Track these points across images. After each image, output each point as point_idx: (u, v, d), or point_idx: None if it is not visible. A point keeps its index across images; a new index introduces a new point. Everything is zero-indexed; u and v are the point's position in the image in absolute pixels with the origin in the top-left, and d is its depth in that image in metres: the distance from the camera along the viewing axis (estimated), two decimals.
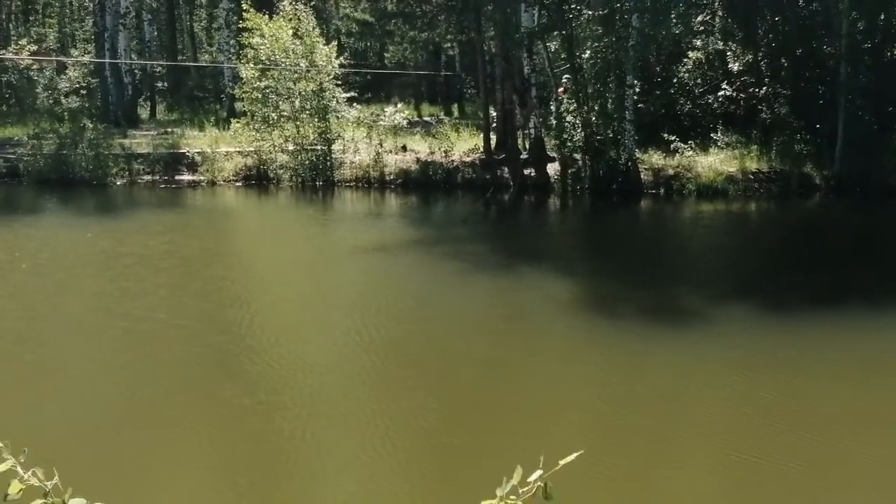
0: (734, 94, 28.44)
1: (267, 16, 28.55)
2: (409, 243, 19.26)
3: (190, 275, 16.46)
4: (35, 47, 43.18)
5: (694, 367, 10.99)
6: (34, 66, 41.90)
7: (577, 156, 25.58)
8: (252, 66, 28.24)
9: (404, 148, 29.27)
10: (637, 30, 24.41)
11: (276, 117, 28.25)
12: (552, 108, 27.03)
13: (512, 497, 2.38)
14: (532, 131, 28.08)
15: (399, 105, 37.88)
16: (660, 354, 11.43)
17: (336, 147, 28.25)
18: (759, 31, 30.25)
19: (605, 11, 25.10)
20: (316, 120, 28.04)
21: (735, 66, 29.49)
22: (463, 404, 10.05)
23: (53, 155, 28.58)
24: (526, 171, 26.69)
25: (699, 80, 29.49)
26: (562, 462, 2.45)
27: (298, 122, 28.08)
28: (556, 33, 27.03)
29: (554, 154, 26.77)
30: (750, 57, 29.42)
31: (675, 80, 29.17)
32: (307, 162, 27.70)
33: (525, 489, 2.38)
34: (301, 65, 27.96)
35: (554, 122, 26.46)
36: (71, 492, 2.38)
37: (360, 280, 16.16)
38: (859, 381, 10.50)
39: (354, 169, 27.63)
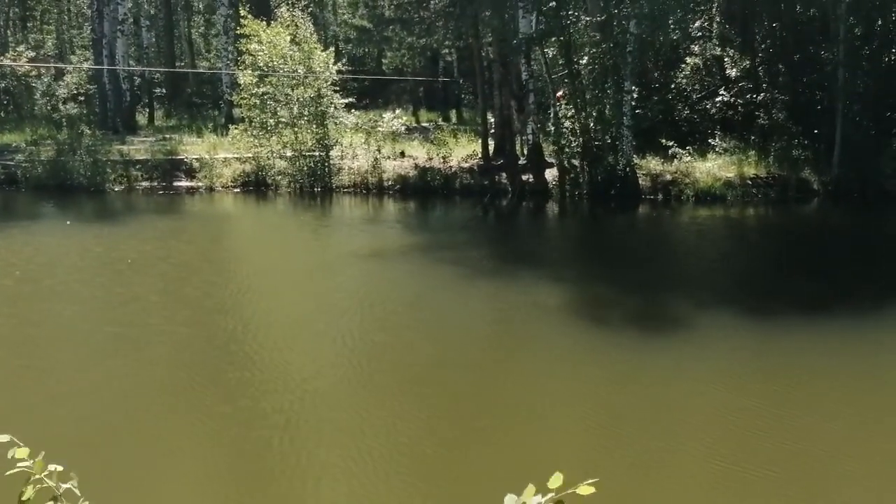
0: (732, 100, 28.45)
1: (265, 22, 28.57)
2: (406, 249, 19.24)
3: (184, 280, 16.44)
4: (33, 54, 43.23)
5: (685, 375, 10.96)
6: (32, 73, 41.91)
7: (575, 161, 25.59)
8: (250, 72, 28.26)
9: (402, 154, 29.29)
10: (635, 36, 24.43)
11: (274, 123, 28.25)
12: (550, 113, 27.03)
13: None
14: (530, 137, 28.09)
15: (397, 111, 37.86)
16: (653, 361, 11.40)
17: (334, 153, 28.26)
18: (757, 37, 30.29)
19: (603, 17, 25.13)
20: (314, 126, 28.05)
21: (733, 72, 29.51)
22: (458, 412, 10.01)
23: (51, 161, 28.58)
24: (524, 177, 26.70)
25: (697, 86, 29.49)
26: (578, 490, 2.40)
27: (296, 129, 28.08)
28: (553, 39, 27.03)
29: (552, 160, 26.78)
30: (748, 62, 29.45)
31: (672, 86, 29.19)
32: (305, 168, 27.70)
33: None
34: (299, 71, 27.97)
35: (552, 127, 26.46)
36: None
37: (357, 286, 16.13)
38: (854, 389, 10.48)
39: (352, 175, 27.63)
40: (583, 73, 25.83)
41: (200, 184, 27.97)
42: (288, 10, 28.83)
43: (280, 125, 28.27)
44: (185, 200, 26.91)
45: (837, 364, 11.23)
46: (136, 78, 42.25)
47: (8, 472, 2.53)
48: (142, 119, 42.10)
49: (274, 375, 11.05)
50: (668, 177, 25.13)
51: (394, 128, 32.21)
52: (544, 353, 12.05)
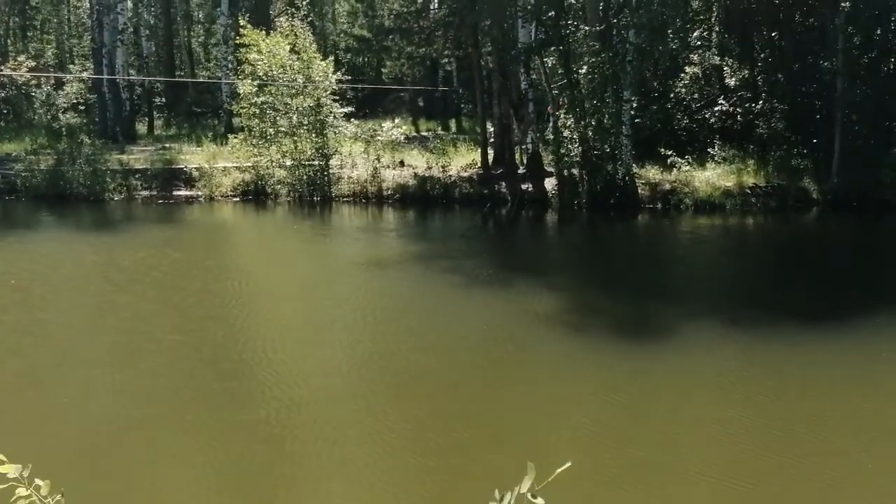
0: (731, 109, 28.48)
1: (264, 32, 28.60)
2: (406, 258, 19.23)
3: (178, 289, 16.43)
4: (33, 63, 43.22)
5: (676, 384, 10.95)
6: (32, 82, 41.94)
7: (575, 171, 25.60)
8: (250, 81, 28.28)
9: (402, 163, 29.29)
10: (634, 45, 24.47)
11: (273, 133, 28.26)
12: (549, 123, 27.06)
13: None
14: (529, 146, 28.13)
15: (397, 120, 37.88)
16: (643, 370, 11.40)
17: (334, 162, 28.27)
18: (756, 47, 30.36)
19: (602, 27, 25.17)
20: (313, 135, 28.06)
21: (732, 81, 29.55)
22: (447, 420, 9.97)
23: (51, 171, 28.55)
24: (523, 186, 26.71)
25: (696, 95, 29.54)
26: (555, 473, 2.43)
27: (296, 138, 28.09)
28: (553, 49, 27.09)
29: (551, 169, 26.79)
30: (747, 72, 29.49)
31: (671, 95, 29.23)
32: (305, 177, 27.70)
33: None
34: (298, 80, 28.00)
35: (551, 136, 26.49)
36: None
37: (353, 295, 16.12)
38: (849, 398, 10.47)
39: (352, 184, 27.63)
40: (582, 82, 25.86)
41: (200, 193, 27.96)
42: (287, 19, 28.84)
43: (279, 134, 28.27)
44: (185, 210, 26.89)
45: (833, 373, 11.24)
46: (135, 87, 42.29)
47: None
48: (141, 128, 42.11)
49: (266, 385, 11.00)
50: (668, 186, 25.13)
51: (393, 137, 32.21)
52: (535, 361, 12.05)
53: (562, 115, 26.39)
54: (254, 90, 28.23)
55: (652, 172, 25.73)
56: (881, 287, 16.01)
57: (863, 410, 10.08)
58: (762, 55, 30.18)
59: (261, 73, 28.02)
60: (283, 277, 17.88)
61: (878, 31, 25.37)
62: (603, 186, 24.87)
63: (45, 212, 26.41)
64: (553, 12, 26.24)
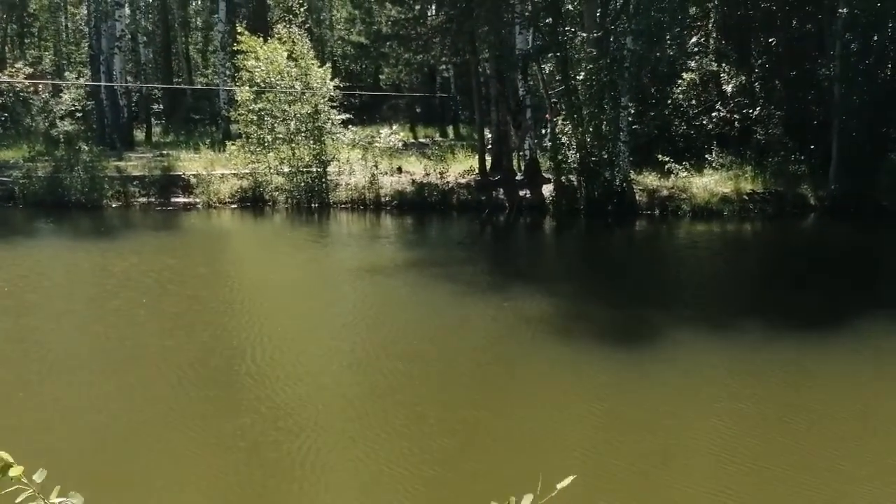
0: (728, 115, 28.54)
1: (262, 39, 28.62)
2: (403, 265, 19.22)
3: (172, 296, 16.38)
4: (30, 70, 43.25)
5: (676, 388, 10.94)
6: (30, 89, 41.95)
7: (573, 177, 25.63)
8: (247, 88, 28.30)
9: (399, 170, 29.32)
10: (631, 51, 24.50)
11: (271, 139, 28.28)
12: (547, 129, 27.09)
13: None
14: (527, 152, 28.17)
15: (394, 127, 37.94)
16: (637, 375, 11.38)
17: (331, 169, 28.28)
18: (753, 53, 30.42)
19: (600, 33, 25.21)
20: (311, 142, 28.07)
21: (729, 88, 29.60)
22: (446, 427, 9.95)
23: (49, 178, 28.55)
24: (521, 193, 26.73)
25: (693, 102, 29.60)
26: (558, 486, 2.42)
27: (294, 145, 28.10)
28: (550, 55, 27.13)
29: (549, 175, 26.82)
30: (744, 78, 29.54)
31: (669, 102, 29.28)
32: (302, 184, 27.72)
33: None
34: (296, 87, 28.02)
35: (549, 143, 26.52)
36: None
37: (349, 301, 16.09)
38: (845, 404, 10.47)
39: (350, 191, 27.64)
40: (580, 88, 25.89)
41: (198, 200, 27.96)
42: (285, 26, 28.85)
43: (277, 141, 28.29)
44: (182, 216, 26.87)
45: (828, 379, 11.23)
46: (133, 94, 42.30)
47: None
48: (139, 135, 42.14)
49: (255, 391, 10.94)
50: (665, 192, 25.16)
51: (391, 143, 32.32)
52: (529, 369, 11.99)
53: (559, 122, 26.42)
54: (251, 97, 28.25)
55: (649, 179, 25.76)
56: (879, 293, 16.01)
57: (861, 419, 10.07)
58: (759, 61, 30.24)
59: (258, 80, 28.04)
60: (276, 284, 17.85)
61: (875, 38, 25.42)
62: (601, 193, 24.89)
63: (43, 219, 26.37)
64: (550, 19, 26.31)
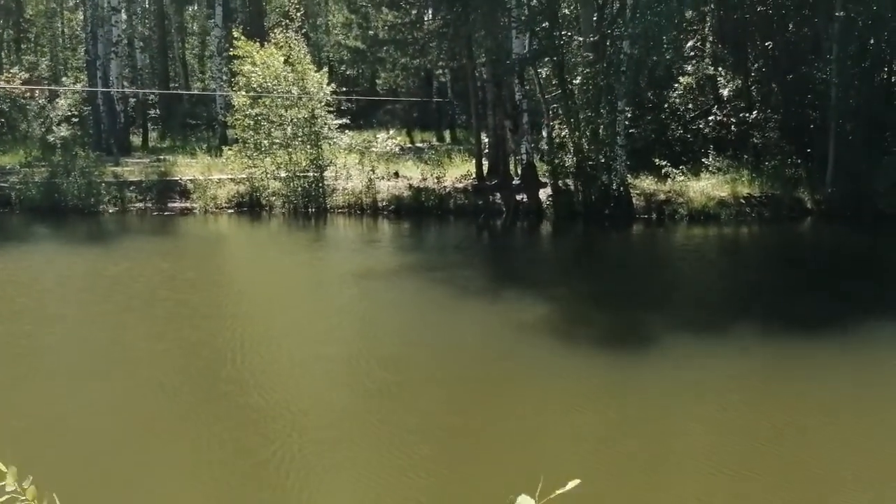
0: (725, 119, 28.55)
1: (258, 43, 28.60)
2: (400, 270, 19.19)
3: (167, 300, 16.35)
4: (27, 75, 43.22)
5: (673, 393, 10.92)
6: (26, 95, 41.90)
7: (569, 181, 25.61)
8: (244, 93, 28.29)
9: (396, 174, 29.32)
10: (628, 56, 24.50)
11: (268, 144, 28.25)
12: (544, 133, 27.08)
13: None
14: (524, 157, 28.15)
15: (391, 131, 37.93)
16: (632, 378, 11.38)
17: (328, 174, 28.25)
18: (750, 57, 30.42)
19: (596, 38, 25.22)
20: (308, 147, 28.05)
21: (726, 91, 29.63)
22: (442, 431, 9.92)
23: (45, 183, 28.50)
24: (518, 197, 26.71)
25: (690, 106, 29.61)
26: (558, 491, 2.40)
27: (290, 149, 28.08)
28: (547, 59, 27.12)
29: (546, 179, 26.81)
30: (740, 82, 29.56)
31: (666, 106, 29.28)
32: (299, 189, 27.68)
33: None
34: (293, 92, 28.00)
35: (546, 147, 26.51)
36: None
37: (349, 306, 16.05)
38: (842, 407, 10.45)
39: (347, 195, 27.61)
40: (576, 93, 25.89)
41: (195, 205, 27.91)
42: (281, 31, 28.83)
43: (274, 146, 28.26)
44: (179, 221, 26.83)
45: (825, 382, 11.21)
46: (130, 99, 42.27)
47: None
48: (136, 140, 42.10)
49: (246, 395, 10.91)
50: (662, 196, 25.15)
51: (388, 148, 32.28)
52: (525, 373, 11.96)
53: (556, 126, 26.42)
54: (248, 102, 28.23)
55: (646, 183, 25.75)
56: (876, 297, 15.99)
57: (856, 425, 10.06)
58: (756, 65, 30.26)
59: (255, 85, 28.02)
60: (269, 289, 17.82)
61: (872, 41, 25.44)
62: (598, 197, 24.87)
63: (40, 224, 26.34)
64: (547, 23, 26.31)
